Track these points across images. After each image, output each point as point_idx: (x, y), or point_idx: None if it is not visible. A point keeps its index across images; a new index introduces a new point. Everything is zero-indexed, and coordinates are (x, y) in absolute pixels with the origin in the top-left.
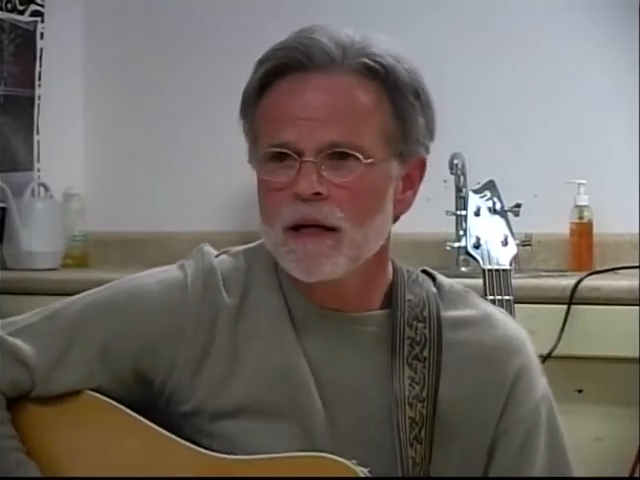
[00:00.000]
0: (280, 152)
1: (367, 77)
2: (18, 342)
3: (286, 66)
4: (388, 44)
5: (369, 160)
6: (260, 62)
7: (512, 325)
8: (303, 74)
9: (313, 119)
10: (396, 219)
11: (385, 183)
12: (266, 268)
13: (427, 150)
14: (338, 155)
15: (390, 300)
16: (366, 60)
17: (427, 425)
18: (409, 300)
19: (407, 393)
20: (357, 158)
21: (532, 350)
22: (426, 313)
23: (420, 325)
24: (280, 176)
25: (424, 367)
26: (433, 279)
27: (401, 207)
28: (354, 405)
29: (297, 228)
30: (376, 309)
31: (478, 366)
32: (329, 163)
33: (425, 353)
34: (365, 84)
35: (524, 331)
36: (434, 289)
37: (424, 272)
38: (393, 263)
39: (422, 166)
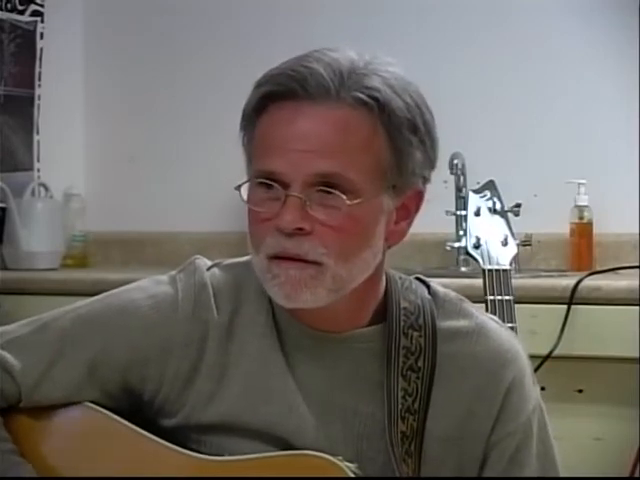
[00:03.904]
0: (267, 182)
1: (363, 110)
2: (6, 354)
3: (280, 93)
4: (391, 72)
5: (356, 201)
6: (258, 84)
7: (506, 335)
8: (296, 103)
9: (302, 151)
10: (389, 247)
11: (375, 218)
12: (256, 287)
13: (426, 180)
14: (325, 190)
15: (382, 312)
16: (359, 94)
17: (417, 438)
18: (404, 308)
19: (400, 407)
20: (344, 195)
21: (526, 360)
22: (421, 321)
23: (415, 334)
24: (265, 206)
25: (417, 378)
26: (427, 286)
27: (394, 238)
28: (347, 422)
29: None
30: (365, 325)
31: (471, 379)
32: (315, 198)
33: (420, 363)
34: (360, 116)
35: (518, 340)
36: (428, 296)
37: (417, 279)
38: (385, 272)
39: (419, 197)
